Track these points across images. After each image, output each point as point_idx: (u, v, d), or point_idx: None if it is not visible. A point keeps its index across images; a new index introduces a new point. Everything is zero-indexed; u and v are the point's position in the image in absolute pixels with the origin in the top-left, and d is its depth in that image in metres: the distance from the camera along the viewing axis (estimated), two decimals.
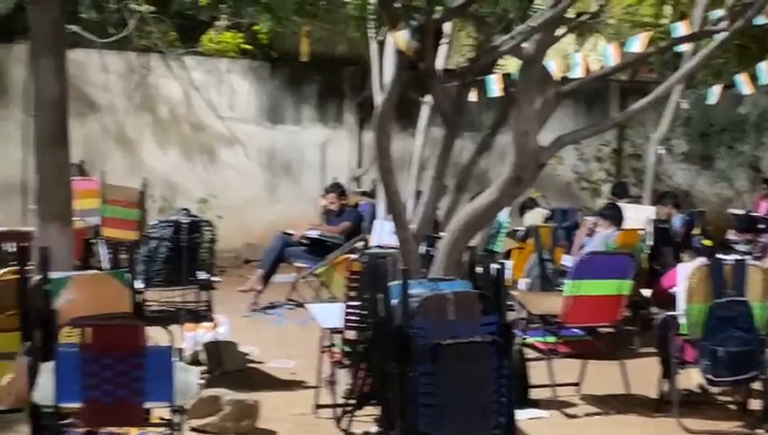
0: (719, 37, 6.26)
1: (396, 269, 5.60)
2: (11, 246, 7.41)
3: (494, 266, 5.54)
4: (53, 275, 5.19)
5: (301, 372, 7.11)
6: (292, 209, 12.17)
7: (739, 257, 6.28)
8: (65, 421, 4.58)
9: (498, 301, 5.26)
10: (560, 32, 6.02)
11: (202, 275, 7.40)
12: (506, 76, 8.23)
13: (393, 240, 6.96)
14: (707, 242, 8.52)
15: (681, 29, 7.38)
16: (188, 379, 4.75)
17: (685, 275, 6.10)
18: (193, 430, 5.57)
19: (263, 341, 7.93)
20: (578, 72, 7.83)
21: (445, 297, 4.95)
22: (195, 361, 6.89)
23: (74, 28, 10.05)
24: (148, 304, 6.96)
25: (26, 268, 5.52)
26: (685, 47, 9.56)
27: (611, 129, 12.80)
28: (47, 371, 4.55)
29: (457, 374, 4.91)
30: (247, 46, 12.57)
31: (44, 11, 5.82)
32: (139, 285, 7.07)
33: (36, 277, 5.18)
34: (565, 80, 7.26)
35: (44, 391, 4.48)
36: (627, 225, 8.85)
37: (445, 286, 5.13)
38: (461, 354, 4.91)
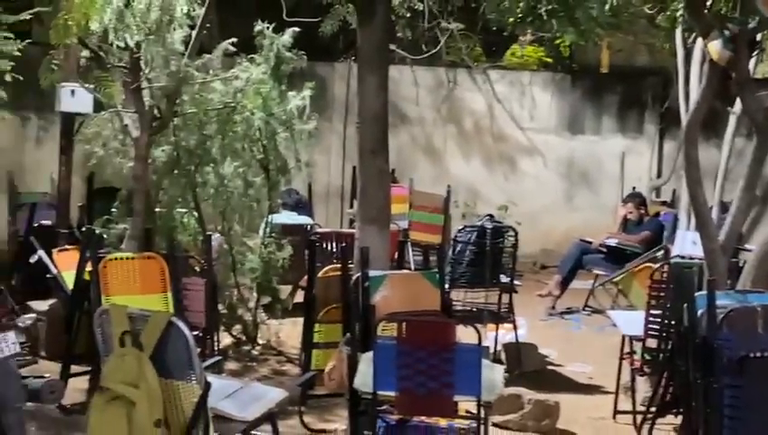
0: None
1: (701, 280, 5.40)
2: (334, 246, 7.87)
3: None
4: (372, 273, 5.43)
5: (598, 377, 7.02)
6: (588, 218, 12.00)
7: None
8: (381, 408, 4.79)
9: None
10: None
11: (504, 279, 7.47)
12: None
13: (696, 251, 6.71)
14: None
15: None
16: (494, 376, 4.80)
17: None
18: (494, 425, 5.62)
19: (560, 344, 7.89)
20: None
21: (754, 310, 4.73)
22: (496, 360, 6.98)
23: (391, 46, 10.47)
24: (454, 303, 7.12)
25: (348, 266, 5.84)
26: None
27: None
28: (366, 360, 4.76)
29: (765, 388, 4.67)
30: (548, 59, 12.59)
31: (371, 33, 6.12)
32: (444, 285, 7.29)
33: (357, 275, 5.46)
34: None
35: (364, 378, 4.67)
36: None
37: (754, 299, 4.90)
38: None
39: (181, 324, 3.75)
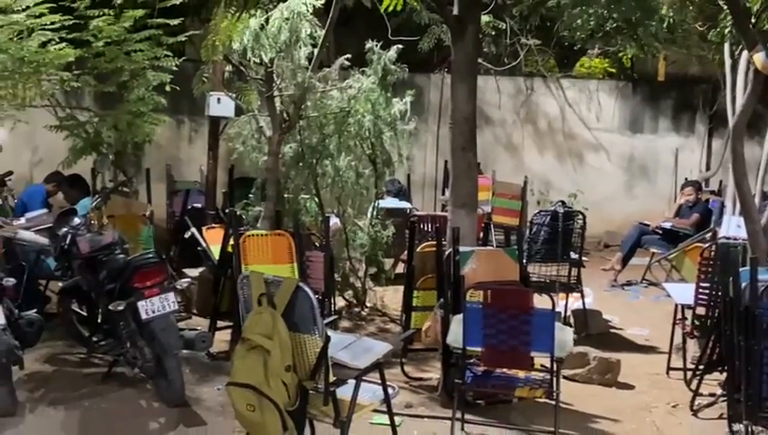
0: None
1: (744, 257, 5.24)
2: (429, 226, 7.88)
3: None
4: (462, 249, 5.43)
5: (653, 340, 6.88)
6: (646, 205, 11.72)
7: None
8: (469, 361, 4.79)
9: None
10: None
11: (573, 255, 7.37)
12: None
13: (739, 233, 6.51)
14: None
15: None
16: (565, 337, 4.76)
17: None
18: (565, 378, 5.58)
19: (621, 311, 7.76)
20: None
21: None
22: (566, 324, 6.89)
23: (479, 60, 10.39)
24: (530, 275, 7.06)
25: (441, 243, 5.85)
26: None
27: None
28: (457, 321, 4.77)
29: None
30: (612, 69, 12.32)
31: (463, 48, 6.09)
32: (522, 260, 7.23)
33: (449, 250, 5.46)
34: None
35: (455, 336, 4.69)
36: None
37: None
38: None
39: (307, 288, 3.81)
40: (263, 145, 7.15)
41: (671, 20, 6.07)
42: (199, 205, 8.65)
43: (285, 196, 7.07)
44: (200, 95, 7.49)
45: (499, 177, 10.53)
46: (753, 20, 5.82)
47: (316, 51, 6.68)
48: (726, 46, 8.20)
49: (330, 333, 3.91)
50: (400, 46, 7.16)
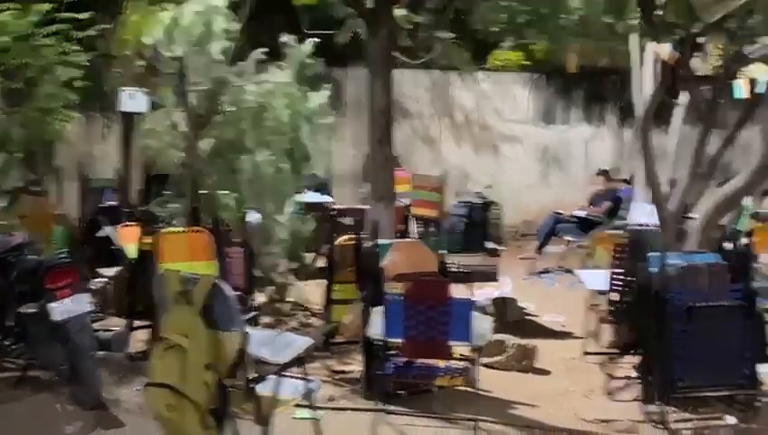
0: None
1: (655, 243, 5.40)
2: (349, 220, 7.87)
3: (740, 243, 5.22)
4: (381, 241, 5.44)
5: (569, 326, 7.02)
6: (560, 194, 11.97)
7: None
8: (390, 352, 4.81)
9: (744, 272, 4.95)
10: None
11: (490, 245, 7.47)
12: (752, 81, 7.64)
13: (650, 220, 6.70)
14: None
15: None
16: (484, 325, 4.83)
17: None
18: (484, 365, 5.66)
19: (537, 299, 7.90)
20: None
21: (698, 268, 4.74)
22: (485, 312, 6.98)
23: (395, 53, 10.40)
24: (449, 266, 7.12)
25: (361, 236, 5.85)
26: None
27: None
28: (377, 313, 4.78)
29: (707, 332, 4.69)
30: (526, 62, 12.52)
31: (378, 42, 6.10)
32: (442, 251, 7.29)
33: (368, 243, 5.46)
34: None
35: (375, 328, 4.71)
36: None
37: (698, 258, 4.90)
38: (711, 316, 4.70)
39: (224, 285, 3.76)
40: (178, 141, 7.00)
41: (580, 14, 6.18)
42: (114, 203, 8.44)
43: (203, 192, 6.95)
44: (112, 91, 7.29)
45: (418, 169, 10.60)
46: (659, 12, 5.96)
47: (230, 45, 6.56)
48: (634, 38, 8.40)
49: (250, 329, 3.87)
50: (317, 40, 7.10)
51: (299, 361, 4.08)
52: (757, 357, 4.93)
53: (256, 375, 3.83)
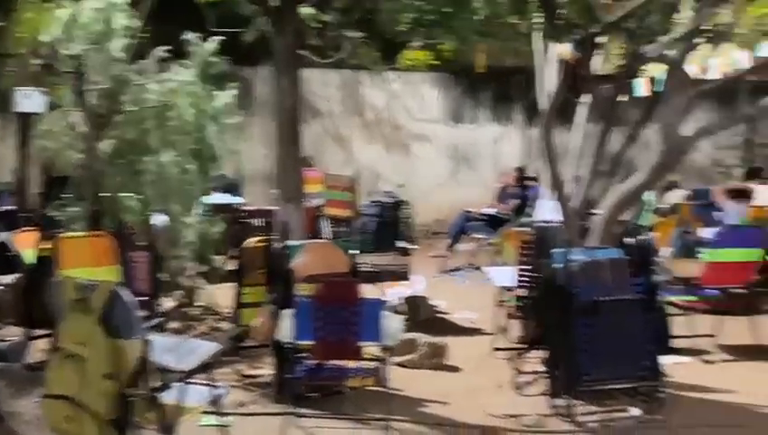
0: None
1: (559, 239, 5.49)
2: (258, 221, 7.76)
3: (642, 238, 5.36)
4: (291, 242, 5.37)
5: (479, 322, 7.09)
6: (470, 192, 12.11)
7: None
8: (300, 355, 4.75)
9: (645, 266, 5.09)
10: (699, 40, 5.71)
11: (402, 244, 7.48)
12: (651, 79, 7.89)
13: (555, 216, 6.82)
14: None
15: None
16: (394, 325, 4.81)
17: None
18: (396, 364, 5.64)
19: (449, 297, 7.94)
20: (714, 74, 7.41)
21: (601, 262, 4.84)
22: (396, 311, 6.98)
23: (303, 52, 10.32)
24: (360, 266, 7.10)
25: (270, 238, 5.76)
26: None
27: (744, 122, 12.06)
28: (287, 316, 4.71)
29: (611, 326, 4.80)
30: (435, 61, 12.61)
31: (284, 40, 6.02)
32: (353, 251, 7.26)
33: (278, 244, 5.39)
34: (704, 81, 6.89)
35: (285, 331, 4.64)
36: (758, 203, 8.36)
37: (601, 254, 5.01)
38: (614, 309, 4.80)
39: (124, 292, 3.63)
40: (77, 142, 6.77)
41: (484, 14, 6.25)
42: (11, 207, 8.10)
43: (104, 194, 6.73)
44: (8, 90, 7.00)
45: (330, 169, 10.54)
46: (560, 12, 6.07)
47: (131, 42, 6.38)
48: (538, 38, 8.55)
49: (154, 336, 3.76)
50: (222, 38, 6.97)
51: (205, 367, 3.97)
52: (659, 349, 5.08)
53: (160, 383, 3.71)
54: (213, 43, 6.85)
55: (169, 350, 3.96)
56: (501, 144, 12.78)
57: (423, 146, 12.59)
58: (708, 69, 7.69)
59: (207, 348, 4.08)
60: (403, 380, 5.42)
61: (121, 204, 6.77)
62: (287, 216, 5.93)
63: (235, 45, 8.32)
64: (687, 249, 7.72)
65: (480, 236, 9.47)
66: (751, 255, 6.34)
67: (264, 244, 5.69)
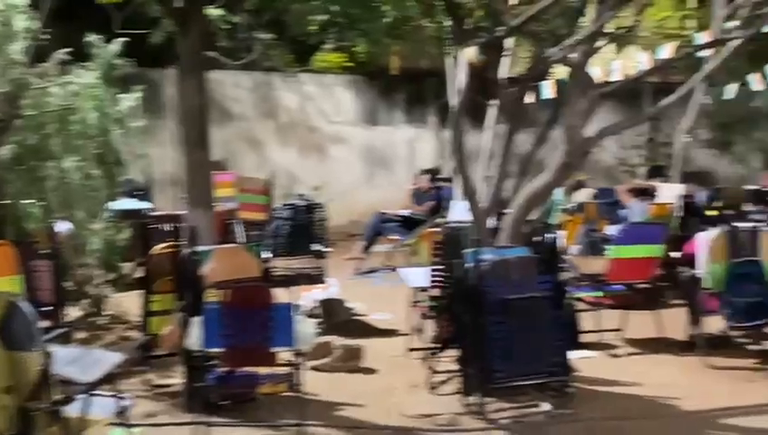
0: (734, 44, 6.04)
1: (470, 239, 5.55)
2: (167, 226, 7.58)
3: (549, 236, 5.47)
4: (200, 248, 5.28)
5: (395, 323, 7.09)
6: (386, 194, 12.15)
7: (753, 225, 6.11)
8: (211, 362, 4.67)
9: (553, 264, 5.20)
10: (601, 43, 5.86)
11: (316, 247, 7.44)
12: (558, 81, 8.06)
13: (467, 216, 6.90)
14: (714, 212, 8.38)
15: (702, 38, 7.17)
16: (307, 329, 4.79)
17: (706, 241, 5.98)
18: (311, 368, 5.60)
19: (365, 298, 7.93)
20: (617, 76, 7.64)
21: (510, 261, 4.92)
22: (311, 315, 6.94)
23: (213, 54, 10.18)
24: (274, 270, 7.03)
25: (179, 243, 5.65)
26: (705, 53, 9.20)
27: (646, 122, 12.48)
28: (196, 323, 4.63)
29: (521, 323, 4.88)
30: (349, 64, 12.63)
31: (189, 41, 5.91)
32: (267, 255, 7.18)
33: (187, 250, 5.28)
34: (607, 82, 7.09)
35: (195, 338, 4.57)
36: (661, 200, 8.65)
37: (510, 253, 5.08)
38: (523, 307, 4.89)
39: (22, 303, 3.51)
40: None
41: (394, 15, 6.28)
42: None
43: (3, 202, 6.48)
44: None
45: (243, 172, 10.43)
46: (464, 15, 6.15)
47: (31, 44, 6.16)
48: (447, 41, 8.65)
49: (56, 347, 3.63)
50: (128, 39, 6.80)
51: (110, 378, 3.86)
52: (568, 345, 5.20)
53: (63, 396, 3.59)
54: (116, 45, 6.69)
55: (72, 361, 3.84)
56: (416, 146, 12.86)
57: (338, 148, 12.57)
58: (611, 71, 7.90)
59: (111, 359, 3.96)
60: (318, 384, 5.38)
61: (23, 211, 6.54)
62: (196, 221, 5.81)
63: (143, 47, 8.15)
64: (594, 247, 7.94)
65: (395, 238, 9.50)
66: (653, 251, 6.55)
67: (172, 250, 5.58)
